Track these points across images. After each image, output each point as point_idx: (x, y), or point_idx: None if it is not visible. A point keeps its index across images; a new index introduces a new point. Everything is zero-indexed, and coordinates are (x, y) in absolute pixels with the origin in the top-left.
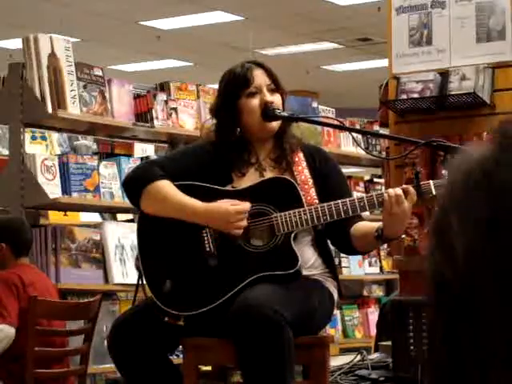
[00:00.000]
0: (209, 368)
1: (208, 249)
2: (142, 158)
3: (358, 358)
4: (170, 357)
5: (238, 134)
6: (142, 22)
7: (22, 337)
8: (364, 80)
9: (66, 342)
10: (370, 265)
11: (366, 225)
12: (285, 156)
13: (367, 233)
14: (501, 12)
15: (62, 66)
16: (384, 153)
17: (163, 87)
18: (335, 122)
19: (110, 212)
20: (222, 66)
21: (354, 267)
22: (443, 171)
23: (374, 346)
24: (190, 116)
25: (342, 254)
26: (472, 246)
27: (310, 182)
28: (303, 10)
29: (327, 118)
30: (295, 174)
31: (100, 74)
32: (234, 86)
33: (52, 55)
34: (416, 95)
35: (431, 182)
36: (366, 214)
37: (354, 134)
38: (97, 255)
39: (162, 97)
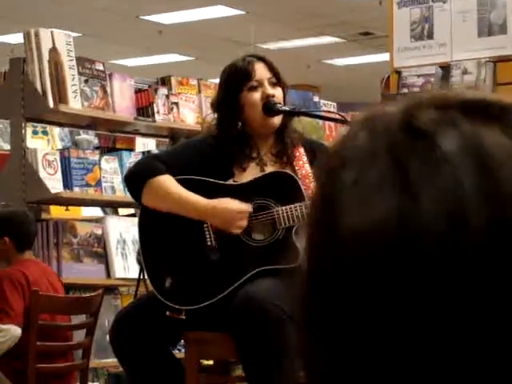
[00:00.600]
0: (210, 362)
1: (209, 243)
2: (143, 153)
3: None
4: (172, 351)
5: (240, 129)
6: (143, 17)
7: (26, 334)
8: (365, 74)
9: (70, 336)
10: None
11: None
12: (286, 151)
13: None
14: (502, 6)
15: (63, 61)
16: None
17: (164, 82)
18: (337, 117)
19: (112, 206)
20: (224, 60)
21: None
22: None
23: None
24: (192, 110)
25: None
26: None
27: (311, 176)
28: (304, 4)
29: (329, 112)
30: (296, 168)
31: (101, 68)
32: (236, 79)
33: (53, 50)
34: (417, 89)
35: None
36: None
37: None
38: (98, 250)
39: (163, 91)
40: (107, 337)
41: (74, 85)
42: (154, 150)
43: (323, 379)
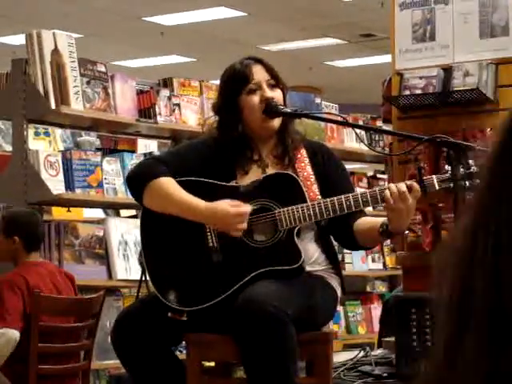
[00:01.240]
0: (212, 364)
1: (211, 244)
2: (145, 154)
3: (362, 354)
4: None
5: (240, 131)
6: (145, 18)
7: (27, 336)
8: (367, 76)
9: (76, 337)
10: (374, 261)
11: (370, 220)
12: (287, 152)
13: (371, 228)
14: (504, 7)
15: (65, 62)
16: (387, 149)
17: (166, 83)
18: (338, 118)
19: (114, 208)
20: (226, 61)
21: (357, 263)
22: (446, 167)
23: (378, 342)
24: (193, 112)
25: (345, 250)
26: None
27: (313, 178)
28: (306, 5)
29: (330, 113)
30: (298, 170)
31: (103, 69)
32: (234, 83)
33: (55, 51)
34: (419, 91)
35: (434, 176)
36: (369, 209)
37: (357, 130)
38: (100, 251)
39: (165, 93)
40: (109, 338)
41: (75, 86)
42: (156, 152)
43: None
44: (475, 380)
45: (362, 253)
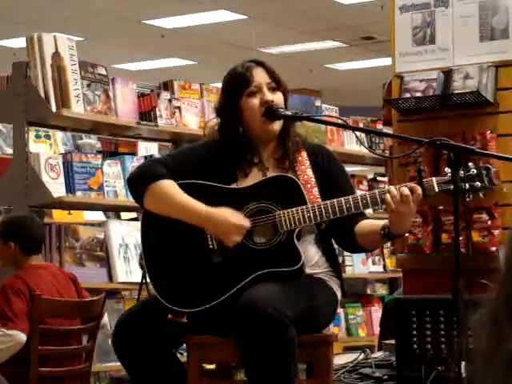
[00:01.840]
0: (212, 366)
1: (211, 246)
2: (145, 157)
3: (362, 356)
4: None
5: (241, 134)
6: (145, 21)
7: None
8: (367, 79)
9: (80, 340)
10: (374, 263)
11: (371, 222)
12: (288, 155)
13: (372, 231)
14: (504, 10)
15: (65, 65)
16: (387, 151)
17: (167, 86)
18: (339, 121)
19: (114, 211)
20: (226, 64)
21: (357, 266)
22: (446, 169)
23: (378, 345)
24: (194, 115)
25: (345, 253)
26: None
27: (313, 181)
28: (306, 8)
29: (330, 116)
30: (298, 173)
31: (104, 72)
32: (235, 85)
33: (56, 54)
34: (419, 94)
35: (434, 179)
36: (369, 211)
37: (358, 133)
38: (101, 254)
39: (165, 96)
40: (109, 341)
41: (76, 89)
42: (157, 155)
43: None
44: None
45: (362, 255)
